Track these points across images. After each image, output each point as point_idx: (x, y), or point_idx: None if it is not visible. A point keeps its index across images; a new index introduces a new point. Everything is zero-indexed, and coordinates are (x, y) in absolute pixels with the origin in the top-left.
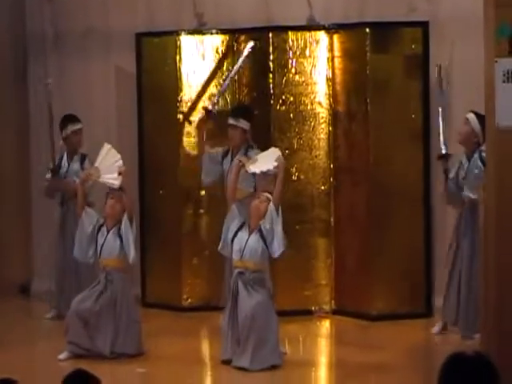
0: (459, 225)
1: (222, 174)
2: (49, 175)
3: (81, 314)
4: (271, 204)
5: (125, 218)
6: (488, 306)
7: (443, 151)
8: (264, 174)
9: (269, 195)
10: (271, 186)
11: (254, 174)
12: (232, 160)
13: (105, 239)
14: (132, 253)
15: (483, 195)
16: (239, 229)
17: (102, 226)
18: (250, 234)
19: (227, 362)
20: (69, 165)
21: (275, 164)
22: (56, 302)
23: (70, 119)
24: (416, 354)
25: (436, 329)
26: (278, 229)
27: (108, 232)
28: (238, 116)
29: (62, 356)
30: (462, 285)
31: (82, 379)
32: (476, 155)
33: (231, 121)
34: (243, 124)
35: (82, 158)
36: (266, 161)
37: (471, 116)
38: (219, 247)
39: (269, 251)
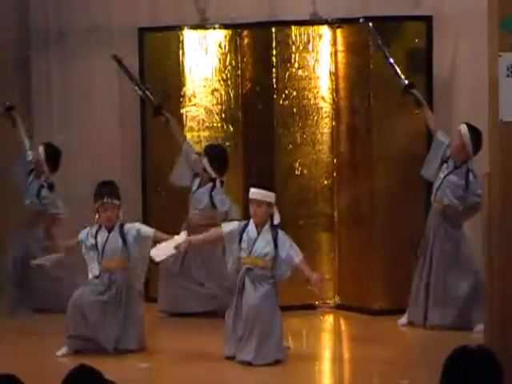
0: (429, 228)
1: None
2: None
3: (81, 308)
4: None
5: (135, 225)
6: (492, 300)
7: (405, 82)
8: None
9: (271, 200)
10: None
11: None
12: (199, 186)
13: (106, 240)
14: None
15: (486, 194)
16: (243, 229)
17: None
18: (259, 234)
19: (231, 359)
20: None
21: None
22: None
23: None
24: (419, 348)
25: (403, 321)
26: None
27: (109, 232)
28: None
29: (60, 352)
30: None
31: (88, 376)
32: (463, 168)
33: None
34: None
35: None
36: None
37: (464, 129)
38: (228, 271)
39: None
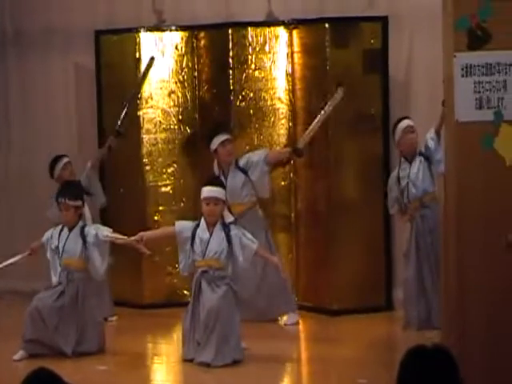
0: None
1: None
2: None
3: (40, 311)
4: (237, 231)
5: (95, 227)
6: (448, 298)
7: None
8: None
9: (221, 197)
10: None
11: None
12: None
13: (66, 239)
14: (101, 270)
15: (443, 192)
16: (195, 229)
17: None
18: (211, 234)
19: (190, 361)
20: None
21: None
22: None
23: (56, 159)
24: (377, 347)
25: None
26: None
27: (70, 231)
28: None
29: (16, 356)
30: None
31: (47, 379)
32: (417, 158)
33: (226, 136)
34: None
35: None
36: None
37: (410, 121)
38: (180, 272)
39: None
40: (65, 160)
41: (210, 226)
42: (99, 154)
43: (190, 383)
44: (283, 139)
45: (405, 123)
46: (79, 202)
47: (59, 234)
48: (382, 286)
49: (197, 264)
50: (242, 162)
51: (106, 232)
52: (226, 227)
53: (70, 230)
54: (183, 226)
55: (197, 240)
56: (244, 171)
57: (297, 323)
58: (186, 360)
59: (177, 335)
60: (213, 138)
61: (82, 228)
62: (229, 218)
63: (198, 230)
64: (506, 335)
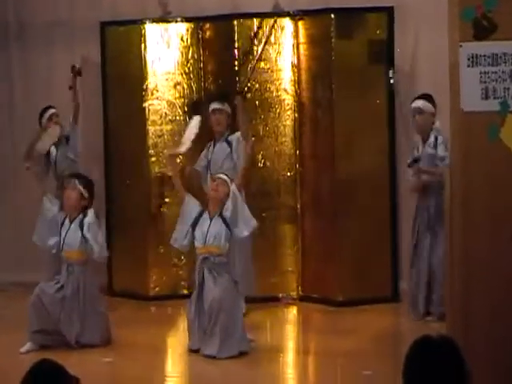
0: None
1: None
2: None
3: (42, 300)
4: (233, 186)
5: (91, 211)
6: (453, 288)
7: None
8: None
9: (226, 177)
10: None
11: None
12: (214, 146)
13: (67, 231)
14: (96, 248)
15: (448, 180)
16: (199, 215)
17: (65, 217)
18: (211, 220)
19: (196, 352)
20: (57, 150)
21: (195, 131)
22: None
23: (44, 110)
24: (383, 339)
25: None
26: (243, 209)
27: (71, 223)
28: (223, 100)
29: (23, 349)
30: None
31: (51, 371)
32: (431, 137)
33: (217, 105)
34: (228, 108)
35: (66, 139)
36: (187, 136)
37: (421, 103)
38: (171, 240)
39: (235, 234)
40: (51, 111)
41: (214, 208)
42: (74, 106)
43: (195, 375)
44: (289, 130)
45: (413, 105)
46: (86, 193)
47: (61, 227)
48: (388, 277)
49: (198, 251)
50: (231, 137)
51: (92, 216)
52: (223, 217)
53: (72, 221)
54: (192, 203)
55: (199, 226)
56: (230, 144)
57: None
58: (192, 350)
59: (182, 327)
60: (211, 103)
61: (82, 220)
62: (227, 212)
63: (201, 219)
64: (511, 327)
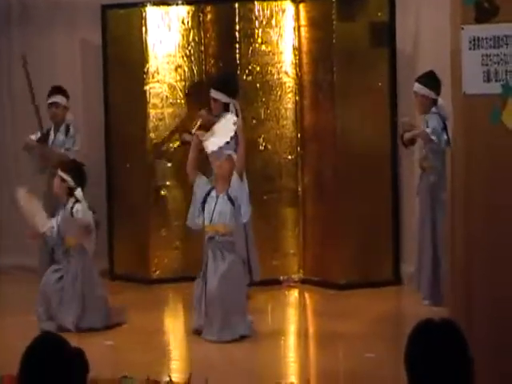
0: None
1: None
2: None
3: (46, 292)
4: (234, 173)
5: (78, 191)
6: (455, 273)
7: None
8: (220, 149)
9: (231, 153)
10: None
11: None
12: None
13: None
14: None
15: (450, 168)
16: (208, 194)
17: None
18: (217, 198)
19: (199, 331)
20: (55, 136)
21: (232, 134)
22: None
23: (51, 91)
24: (385, 322)
25: None
26: (243, 196)
27: (65, 210)
28: (219, 89)
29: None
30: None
31: (53, 343)
32: (433, 115)
33: (212, 93)
34: (223, 97)
35: (67, 129)
36: (222, 133)
37: (416, 86)
38: (187, 221)
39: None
40: (54, 99)
41: (222, 185)
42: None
43: (197, 358)
44: (290, 113)
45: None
46: (67, 176)
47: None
48: (389, 259)
49: (205, 229)
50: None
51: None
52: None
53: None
54: (202, 183)
55: (206, 206)
56: None
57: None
58: (195, 330)
59: (184, 310)
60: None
61: (72, 208)
62: (234, 191)
63: (209, 198)
64: None
